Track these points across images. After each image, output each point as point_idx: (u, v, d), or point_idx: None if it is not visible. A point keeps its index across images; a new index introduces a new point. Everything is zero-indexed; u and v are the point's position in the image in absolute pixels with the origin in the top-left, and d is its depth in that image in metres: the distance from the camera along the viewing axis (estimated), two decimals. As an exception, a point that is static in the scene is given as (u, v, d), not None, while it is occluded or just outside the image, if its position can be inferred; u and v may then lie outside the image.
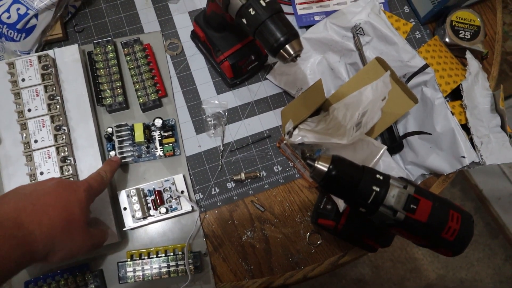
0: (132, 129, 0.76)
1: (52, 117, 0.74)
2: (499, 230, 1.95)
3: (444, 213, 0.52)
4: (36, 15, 0.76)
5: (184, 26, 0.86)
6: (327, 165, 0.53)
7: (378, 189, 0.52)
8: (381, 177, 0.53)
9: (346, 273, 1.85)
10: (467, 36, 0.87)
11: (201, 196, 0.77)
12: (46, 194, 0.54)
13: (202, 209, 0.77)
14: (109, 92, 0.78)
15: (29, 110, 0.73)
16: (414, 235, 0.53)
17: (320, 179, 0.53)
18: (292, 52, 0.57)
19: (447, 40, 0.86)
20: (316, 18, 0.86)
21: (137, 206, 0.72)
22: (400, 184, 0.52)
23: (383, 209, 0.52)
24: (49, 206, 0.53)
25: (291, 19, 0.87)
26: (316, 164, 0.53)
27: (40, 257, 0.52)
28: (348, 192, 0.53)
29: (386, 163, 0.75)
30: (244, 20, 0.58)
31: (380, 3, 0.86)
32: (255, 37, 0.59)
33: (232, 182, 0.78)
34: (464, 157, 0.72)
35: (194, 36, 0.83)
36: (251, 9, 0.56)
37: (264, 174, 0.79)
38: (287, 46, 0.56)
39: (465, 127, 0.77)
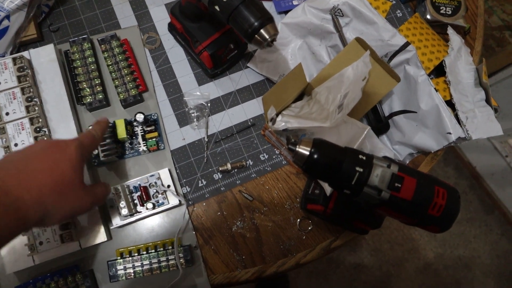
0: (114, 126, 0.74)
1: (31, 119, 0.73)
2: (494, 206, 1.96)
3: (429, 190, 0.51)
4: (7, 16, 0.75)
5: (161, 18, 0.84)
6: (309, 149, 0.52)
7: (361, 170, 0.51)
8: (364, 157, 0.52)
9: (344, 257, 1.85)
10: (448, 11, 0.86)
11: (188, 189, 0.76)
12: (34, 159, 0.53)
13: (190, 202, 0.76)
14: (88, 90, 0.76)
15: (7, 113, 0.72)
16: (400, 214, 0.53)
17: (302, 163, 0.52)
18: (267, 37, 0.56)
19: (428, 17, 0.85)
20: (295, 2, 0.84)
21: (123, 204, 0.71)
22: (383, 163, 0.52)
23: (367, 189, 0.51)
24: (37, 170, 0.52)
25: (270, 5, 0.86)
26: (297, 149, 0.52)
27: (35, 222, 0.51)
28: (332, 174, 0.52)
29: (373, 144, 0.75)
30: (217, 8, 0.57)
31: (358, -17, 0.85)
32: (230, 24, 0.58)
33: (218, 173, 0.77)
34: (450, 133, 0.72)
35: (171, 28, 0.82)
36: (222, -5, 0.55)
37: (251, 163, 0.78)
38: (262, 30, 0.56)
39: (450, 103, 0.76)
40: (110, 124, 0.74)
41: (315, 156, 0.52)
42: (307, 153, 0.52)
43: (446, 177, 2.01)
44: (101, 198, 0.64)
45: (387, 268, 1.86)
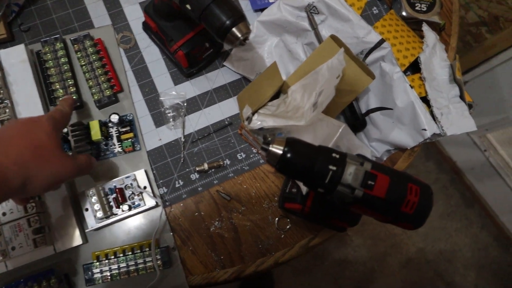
0: (88, 127, 0.73)
1: (2, 122, 0.71)
2: (474, 200, 1.99)
3: (402, 187, 0.51)
4: (-25, 16, 0.73)
5: (135, 17, 0.83)
6: (282, 148, 0.51)
7: (334, 168, 0.51)
8: (338, 156, 0.52)
9: (328, 254, 1.86)
10: (423, 8, 0.86)
11: (165, 190, 0.75)
12: (9, 129, 0.55)
13: (167, 203, 0.75)
14: (61, 91, 0.75)
15: (-24, 115, 0.70)
16: (374, 212, 0.53)
17: (276, 162, 0.52)
18: (239, 35, 0.55)
19: (403, 13, 0.86)
20: (271, 0, 0.84)
21: (97, 206, 0.70)
22: (357, 161, 0.52)
23: (341, 188, 0.51)
24: (14, 137, 0.54)
25: (246, 3, 0.86)
26: (270, 148, 0.52)
27: (17, 186, 0.51)
28: (305, 173, 0.52)
29: (350, 141, 0.74)
30: (188, 6, 0.56)
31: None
32: (202, 22, 0.57)
33: (195, 173, 0.77)
34: (425, 129, 0.72)
35: (146, 27, 0.81)
36: (193, -6, 0.54)
37: (228, 163, 0.78)
38: (234, 29, 0.55)
39: (425, 100, 0.76)
40: (84, 125, 0.73)
41: (288, 155, 0.51)
42: (280, 152, 0.51)
43: (427, 172, 2.03)
44: (85, 166, 0.65)
45: (370, 263, 1.88)
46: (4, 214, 0.68)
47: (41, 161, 0.55)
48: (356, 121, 0.79)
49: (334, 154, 0.52)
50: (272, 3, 0.83)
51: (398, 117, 0.75)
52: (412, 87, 0.74)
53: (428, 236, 1.94)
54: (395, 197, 0.51)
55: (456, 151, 1.98)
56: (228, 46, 0.81)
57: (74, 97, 0.73)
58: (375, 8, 0.90)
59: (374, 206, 0.51)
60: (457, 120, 0.74)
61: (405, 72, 0.81)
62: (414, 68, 0.82)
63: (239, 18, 0.55)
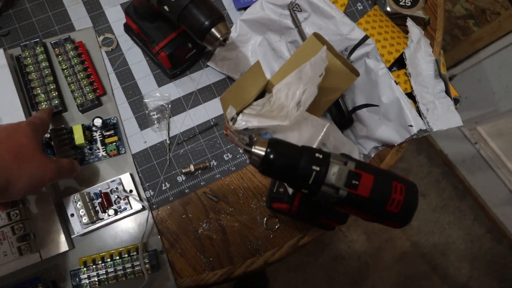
0: (71, 132, 0.72)
1: (-17, 128, 0.70)
2: (466, 192, 2.00)
3: (387, 186, 0.51)
4: (-47, 22, 0.72)
5: (117, 19, 0.82)
6: (264, 149, 0.51)
7: (318, 169, 0.50)
8: (321, 156, 0.51)
9: (322, 251, 1.86)
10: (408, 3, 0.86)
11: (152, 193, 0.75)
12: None
13: (154, 206, 0.74)
14: (43, 96, 0.74)
15: (-43, 123, 0.69)
16: (359, 211, 0.52)
17: (259, 164, 0.52)
18: (219, 36, 0.55)
19: (388, 9, 0.85)
20: (254, -2, 0.83)
21: (83, 211, 0.69)
22: (340, 161, 0.51)
23: (325, 188, 0.50)
24: None
25: (229, 2, 0.85)
26: (253, 150, 0.51)
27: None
28: (289, 174, 0.51)
29: (337, 139, 0.74)
30: (166, 8, 0.55)
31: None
32: (180, 24, 0.56)
33: (182, 175, 0.76)
34: (411, 125, 0.72)
35: (127, 29, 0.80)
36: (170, -5, 0.53)
37: (215, 164, 0.77)
38: (213, 30, 0.54)
39: (411, 95, 0.76)
40: (67, 130, 0.72)
41: (271, 156, 0.51)
42: (263, 153, 0.51)
43: (419, 165, 2.03)
44: (67, 169, 0.64)
45: (365, 258, 1.88)
46: (-13, 221, 0.67)
47: (22, 164, 0.55)
48: (343, 118, 0.78)
49: (317, 154, 0.51)
50: (255, 1, 0.83)
51: (384, 114, 0.75)
52: (397, 83, 0.73)
53: (422, 230, 1.95)
54: (380, 196, 0.50)
55: (447, 144, 1.98)
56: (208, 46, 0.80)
57: (51, 108, 0.73)
58: (359, 4, 0.89)
59: (358, 205, 0.51)
60: (443, 116, 0.74)
61: (390, 68, 0.80)
62: (400, 63, 0.82)
63: (218, 18, 0.54)
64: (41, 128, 0.63)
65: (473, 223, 1.98)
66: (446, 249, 1.94)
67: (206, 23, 0.54)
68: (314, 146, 0.65)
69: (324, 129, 0.64)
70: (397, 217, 0.52)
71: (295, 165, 0.51)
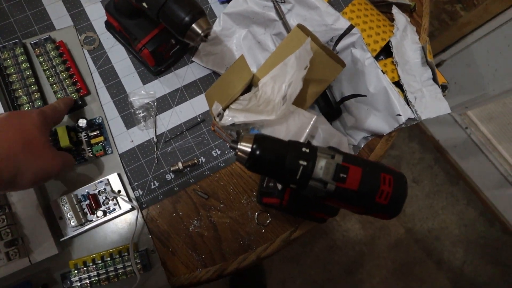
0: (55, 133, 0.71)
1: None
2: (458, 177, 2.01)
3: (375, 178, 0.50)
4: None
5: (98, 17, 0.80)
6: (250, 145, 0.50)
7: (305, 163, 0.50)
8: (308, 150, 0.51)
9: (317, 241, 1.87)
10: (393, -10, 0.85)
11: (141, 192, 0.74)
12: (0, 122, 0.55)
13: (144, 205, 0.73)
14: (25, 98, 0.72)
15: None
16: (348, 204, 0.52)
17: (245, 161, 0.51)
18: (200, 31, 0.54)
19: (373, -3, 0.84)
20: (237, -10, 0.82)
21: (71, 214, 0.68)
22: (328, 154, 0.51)
23: (313, 182, 0.50)
24: (4, 130, 0.54)
25: (212, -5, 0.84)
26: (238, 146, 0.51)
27: (7, 178, 0.52)
28: (276, 170, 0.51)
29: (325, 131, 0.73)
30: (144, 4, 0.54)
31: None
32: (160, 20, 0.55)
33: (171, 174, 0.75)
34: (399, 115, 0.72)
35: (109, 26, 0.78)
36: (149, -9, 0.52)
37: (203, 160, 0.76)
38: (193, 25, 0.53)
39: (399, 84, 0.76)
40: (51, 132, 0.71)
41: (257, 152, 0.50)
42: (249, 150, 0.50)
43: (412, 152, 2.04)
44: (69, 164, 0.65)
45: (359, 247, 1.89)
46: (-27, 229, 0.66)
47: (31, 155, 0.55)
48: (331, 110, 0.78)
49: (304, 149, 0.51)
50: (239, -6, 0.81)
51: (372, 104, 0.75)
52: (384, 72, 0.73)
53: (416, 216, 1.96)
54: (368, 188, 0.50)
55: (439, 130, 1.99)
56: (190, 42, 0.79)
57: (74, 98, 0.73)
58: (345, -8, 0.88)
59: (347, 199, 0.51)
60: (431, 103, 0.73)
61: (377, 57, 0.80)
62: (387, 52, 0.81)
63: (199, 13, 0.53)
64: (52, 118, 0.63)
65: (466, 207, 1.99)
66: (440, 234, 1.95)
67: (187, 18, 0.53)
68: (302, 139, 0.64)
69: (311, 122, 0.63)
70: (386, 209, 0.51)
71: (282, 161, 0.50)
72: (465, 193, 2.00)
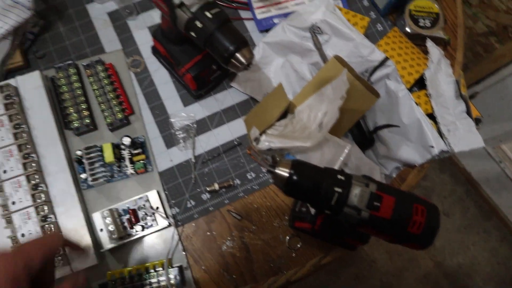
0: (101, 149, 0.75)
1: (19, 146, 0.74)
2: (491, 212, 1.96)
3: (408, 208, 0.52)
4: (-7, 46, 0.76)
5: (145, 42, 0.86)
6: (288, 171, 0.53)
7: (340, 190, 0.51)
8: (343, 177, 0.53)
9: (343, 270, 1.84)
10: (427, 24, 0.87)
11: (177, 210, 0.77)
12: None
13: (179, 223, 0.76)
14: (75, 115, 0.77)
15: (-5, 141, 0.73)
16: (381, 232, 0.53)
17: (282, 185, 0.53)
18: (243, 60, 0.57)
19: (408, 30, 0.87)
20: (275, 20, 0.86)
21: (112, 227, 0.71)
22: (362, 183, 0.52)
23: (347, 209, 0.52)
24: None
25: (252, 24, 0.88)
26: (276, 171, 0.53)
27: None
28: (312, 195, 0.53)
29: (358, 159, 0.75)
30: (193, 34, 0.58)
31: None
32: (207, 48, 0.59)
33: (207, 194, 0.78)
34: (432, 146, 0.73)
35: (154, 51, 0.83)
36: (197, 22, 0.56)
37: (238, 182, 0.79)
38: (237, 54, 0.57)
39: (432, 116, 0.77)
40: (97, 148, 0.75)
41: (294, 177, 0.52)
42: (286, 175, 0.52)
43: (443, 184, 2.01)
44: None
45: (387, 278, 1.86)
46: (23, 235, 0.70)
47: None
48: (364, 139, 0.80)
49: (339, 176, 0.53)
50: (277, 24, 0.85)
51: (405, 134, 0.76)
52: (418, 104, 0.74)
53: (446, 250, 1.92)
54: (401, 218, 0.51)
55: (471, 162, 1.96)
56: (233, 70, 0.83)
57: (59, 236, 0.62)
58: (379, 25, 0.91)
59: (380, 227, 0.52)
60: (464, 136, 0.74)
61: (411, 88, 0.81)
62: (420, 84, 0.83)
63: (242, 43, 0.57)
64: (38, 259, 0.49)
65: (500, 244, 1.93)
66: (471, 270, 1.90)
67: (231, 48, 0.56)
68: (336, 167, 0.66)
69: (346, 150, 0.65)
70: (418, 239, 0.52)
71: (317, 187, 0.52)
72: (499, 230, 1.95)
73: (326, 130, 0.62)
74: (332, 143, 0.68)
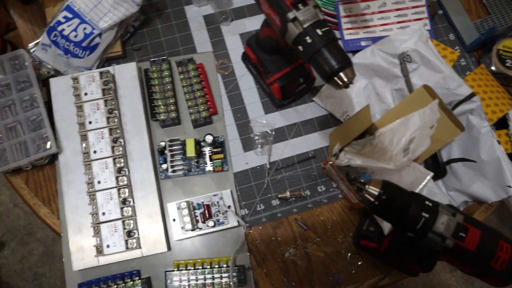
0: (184, 144, 0.79)
1: (110, 130, 0.78)
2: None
3: (493, 243, 0.53)
4: (100, 34, 0.82)
5: (235, 47, 0.90)
6: (378, 190, 0.54)
7: (427, 216, 0.53)
8: (431, 204, 0.54)
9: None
10: (514, 64, 0.87)
11: (247, 212, 0.80)
12: None
13: (247, 224, 0.79)
14: (163, 108, 0.82)
15: (90, 122, 0.79)
16: (462, 263, 0.54)
17: (371, 203, 0.55)
18: (345, 79, 0.59)
19: (493, 68, 0.87)
20: (363, 43, 0.88)
21: (187, 219, 0.75)
22: (449, 212, 0.54)
23: (432, 235, 0.53)
24: None
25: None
26: (366, 188, 0.55)
27: None
28: (398, 217, 0.55)
29: (429, 188, 0.76)
30: (300, 47, 0.61)
31: (426, 30, 0.88)
32: (309, 63, 0.61)
33: (277, 200, 0.81)
34: (510, 186, 0.73)
35: (245, 57, 0.87)
36: (307, 37, 0.59)
37: (308, 194, 0.81)
38: (341, 73, 0.59)
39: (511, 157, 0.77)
40: (180, 142, 0.79)
41: (384, 197, 0.54)
42: (376, 194, 0.54)
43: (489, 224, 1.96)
44: None
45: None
46: (103, 213, 0.75)
47: None
48: (437, 169, 0.80)
49: (427, 202, 0.54)
50: (364, 46, 0.88)
51: (481, 170, 0.76)
52: (499, 142, 0.75)
53: (482, 291, 1.86)
54: (486, 251, 0.52)
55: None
56: (320, 83, 0.85)
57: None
58: (463, 59, 0.92)
59: (463, 257, 0.53)
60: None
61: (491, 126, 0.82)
62: (499, 124, 0.83)
63: (348, 63, 0.59)
64: None
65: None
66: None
67: (336, 66, 0.58)
68: (415, 192, 0.67)
69: (427, 179, 0.66)
70: (500, 275, 0.53)
71: (405, 209, 0.54)
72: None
73: (413, 157, 0.64)
74: (412, 168, 0.69)
